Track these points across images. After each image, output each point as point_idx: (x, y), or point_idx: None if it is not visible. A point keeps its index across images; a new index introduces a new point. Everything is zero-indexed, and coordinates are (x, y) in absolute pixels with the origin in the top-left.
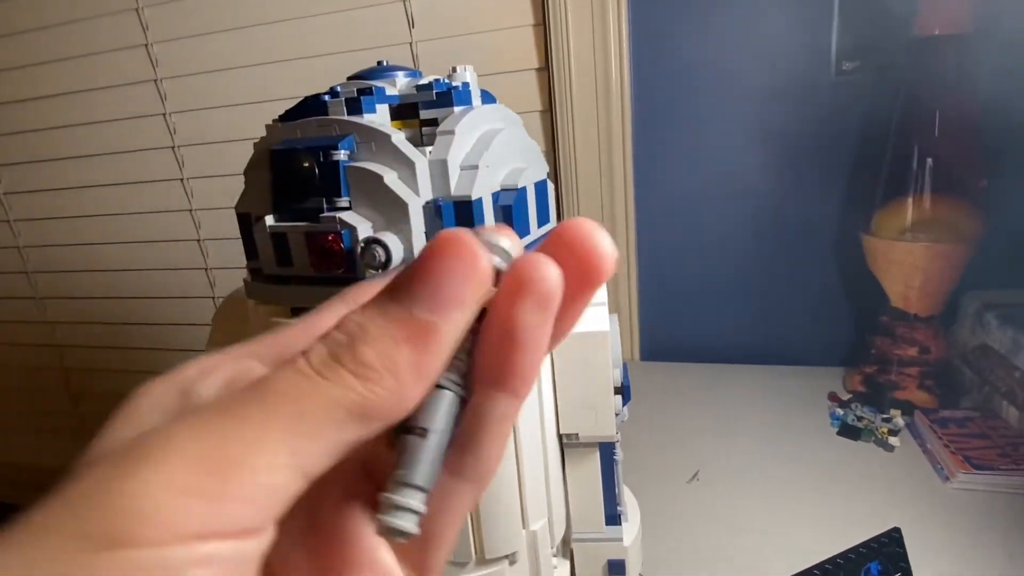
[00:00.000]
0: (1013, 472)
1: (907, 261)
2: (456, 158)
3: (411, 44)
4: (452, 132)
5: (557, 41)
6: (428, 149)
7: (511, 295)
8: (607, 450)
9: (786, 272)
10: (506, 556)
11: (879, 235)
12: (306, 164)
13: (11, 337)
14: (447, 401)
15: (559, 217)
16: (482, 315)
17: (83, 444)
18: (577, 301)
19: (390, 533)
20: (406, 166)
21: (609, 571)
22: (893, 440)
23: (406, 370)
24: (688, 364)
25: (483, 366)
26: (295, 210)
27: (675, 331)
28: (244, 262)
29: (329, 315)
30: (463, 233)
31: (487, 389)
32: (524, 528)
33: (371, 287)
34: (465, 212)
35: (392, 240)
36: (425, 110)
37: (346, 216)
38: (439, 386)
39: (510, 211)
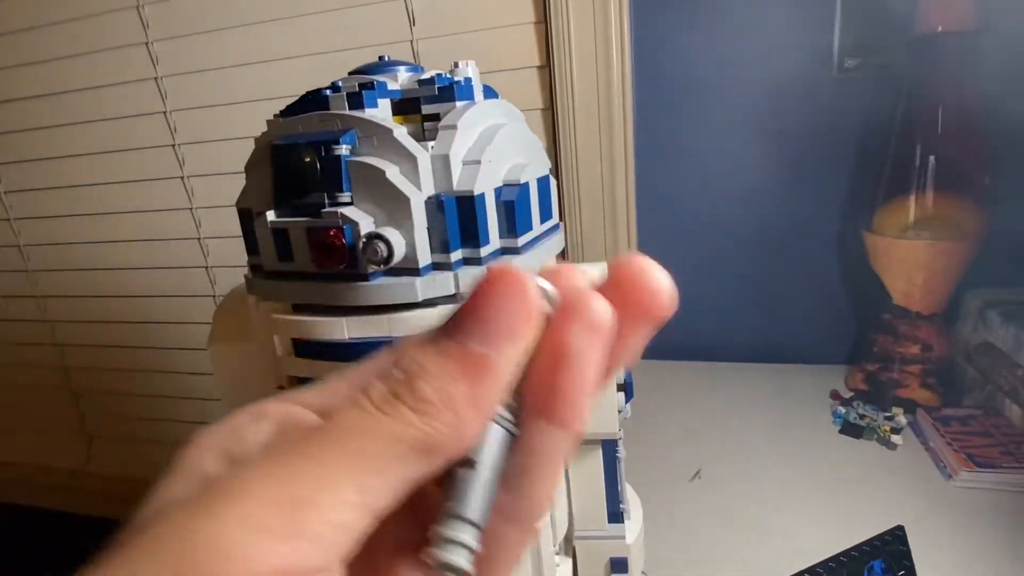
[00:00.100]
0: (1016, 470)
1: (909, 259)
2: (458, 153)
3: (412, 42)
4: (454, 127)
5: (558, 39)
6: (430, 144)
7: (562, 321)
8: (610, 448)
9: (788, 270)
10: None
11: (881, 232)
12: (307, 159)
13: (11, 336)
14: (496, 434)
15: (561, 214)
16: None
17: (83, 444)
18: (633, 337)
19: (442, 568)
20: (408, 161)
21: (611, 569)
22: (895, 438)
23: (463, 404)
24: (690, 362)
25: (532, 396)
26: (296, 205)
27: (677, 329)
28: (245, 260)
29: (381, 357)
30: (513, 268)
31: (536, 420)
32: None
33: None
34: (467, 207)
35: (394, 235)
36: (427, 105)
37: (348, 211)
38: (490, 421)
39: (512, 207)
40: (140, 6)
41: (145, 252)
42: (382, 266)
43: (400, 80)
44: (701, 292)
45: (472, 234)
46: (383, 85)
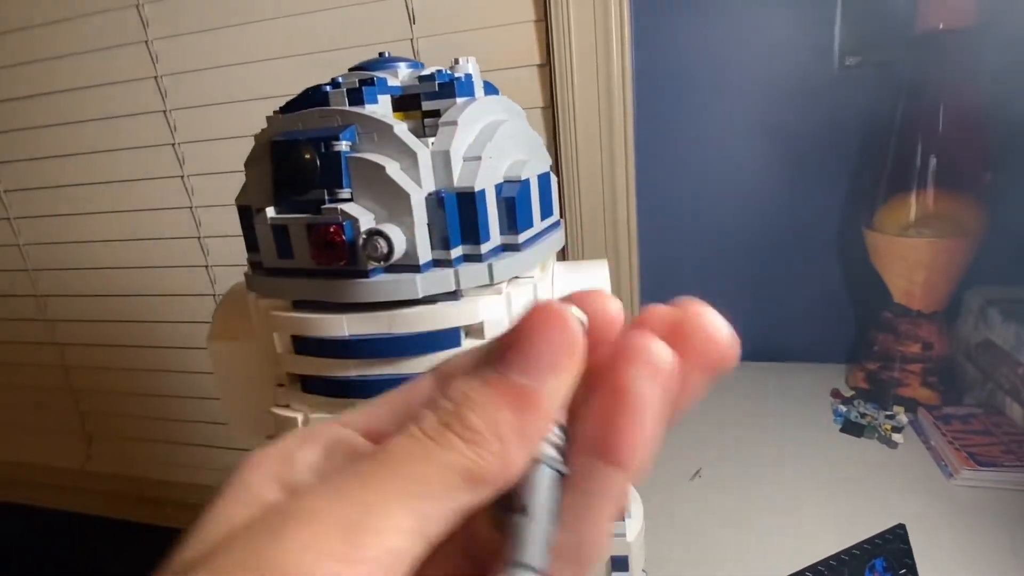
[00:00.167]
0: (1017, 468)
1: (910, 257)
2: (459, 149)
3: (412, 40)
4: (455, 123)
5: (559, 37)
6: (430, 140)
7: (622, 363)
8: None
9: (788, 268)
10: None
11: (882, 230)
12: (307, 155)
13: (12, 335)
14: (548, 476)
15: (561, 212)
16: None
17: (83, 443)
18: (692, 384)
19: None
20: (408, 157)
21: (612, 567)
22: (896, 437)
23: (509, 433)
24: None
25: (589, 435)
26: (296, 202)
27: None
28: (245, 259)
29: (417, 384)
30: (555, 303)
31: (591, 460)
32: None
33: (459, 357)
34: (468, 204)
35: (394, 232)
36: (427, 101)
37: (348, 207)
38: (539, 462)
39: (513, 203)
40: (140, 4)
41: (145, 251)
42: (382, 263)
43: (400, 76)
44: (700, 289)
45: (473, 230)
46: (383, 81)
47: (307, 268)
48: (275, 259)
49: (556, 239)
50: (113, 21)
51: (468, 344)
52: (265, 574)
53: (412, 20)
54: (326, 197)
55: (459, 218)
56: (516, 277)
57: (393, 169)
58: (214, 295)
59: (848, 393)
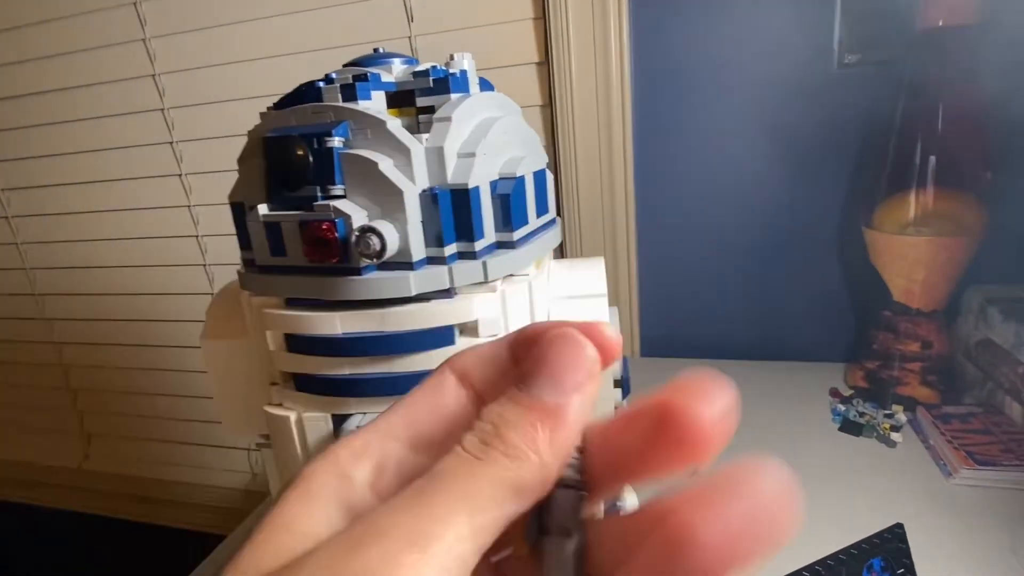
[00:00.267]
0: (1016, 468)
1: (910, 255)
2: (453, 145)
3: (410, 38)
4: (448, 119)
5: (557, 35)
6: (424, 136)
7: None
8: None
9: (787, 266)
10: None
11: (881, 229)
12: (300, 151)
13: (9, 334)
14: (574, 498)
15: (560, 210)
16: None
17: (82, 442)
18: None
19: None
20: (402, 153)
21: None
22: (895, 436)
23: (544, 447)
24: (688, 360)
25: (615, 460)
26: (289, 199)
27: (675, 327)
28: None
29: (440, 383)
30: (573, 331)
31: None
32: None
33: (470, 354)
34: (462, 201)
35: (387, 229)
36: (422, 97)
37: (340, 204)
38: (565, 486)
39: (508, 200)
40: (137, 2)
41: (143, 250)
42: (375, 260)
43: (395, 72)
44: (699, 288)
45: (467, 228)
46: (377, 77)
47: (300, 265)
48: (268, 256)
49: (552, 237)
50: (111, 19)
51: (462, 342)
52: None
53: (410, 18)
54: (319, 194)
55: (453, 215)
56: (511, 275)
57: (386, 165)
58: (212, 294)
59: (847, 392)
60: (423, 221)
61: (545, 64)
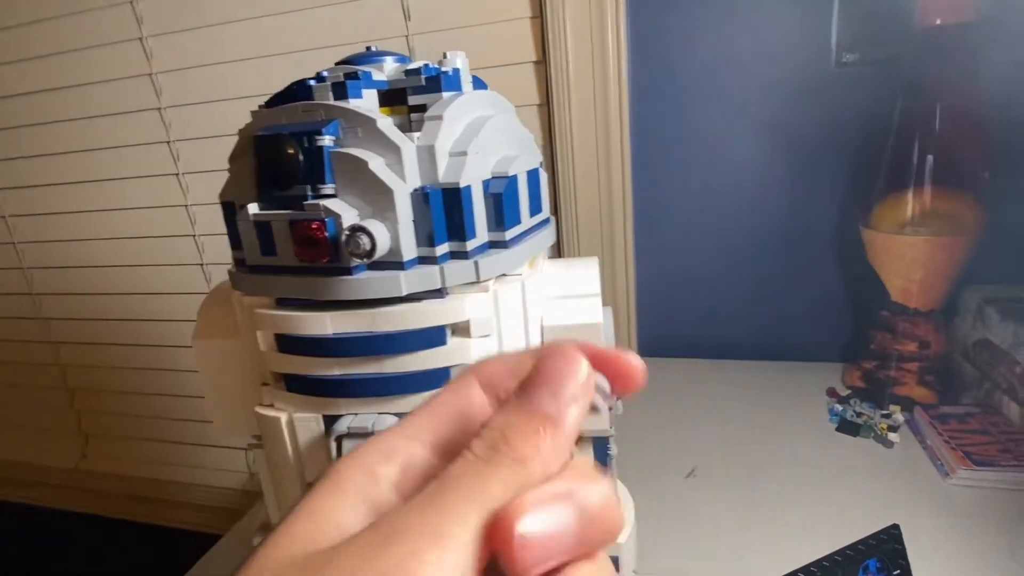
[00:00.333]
0: (1014, 468)
1: (907, 255)
2: (444, 144)
3: (407, 37)
4: (440, 117)
5: (554, 34)
6: (416, 135)
7: None
8: (601, 445)
9: (785, 266)
10: None
11: (879, 228)
12: (291, 150)
13: (6, 333)
14: None
15: (557, 209)
16: None
17: (79, 441)
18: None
19: None
20: (392, 152)
21: None
22: (892, 436)
23: (547, 450)
24: (686, 359)
25: None
26: (279, 197)
27: (673, 326)
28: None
29: (465, 389)
30: (570, 348)
31: None
32: None
33: (496, 363)
34: (453, 200)
35: (377, 228)
36: (414, 96)
37: (331, 203)
38: None
39: (500, 199)
40: (133, 1)
41: (141, 249)
42: (365, 259)
43: (387, 71)
44: (695, 288)
45: (458, 227)
46: (368, 75)
47: (290, 265)
48: (258, 256)
49: (545, 236)
50: (107, 18)
51: (454, 343)
52: (382, 571)
53: (407, 17)
54: (309, 193)
55: (444, 214)
56: (503, 274)
57: (377, 164)
58: (209, 293)
59: (844, 392)
60: (414, 220)
61: (542, 63)
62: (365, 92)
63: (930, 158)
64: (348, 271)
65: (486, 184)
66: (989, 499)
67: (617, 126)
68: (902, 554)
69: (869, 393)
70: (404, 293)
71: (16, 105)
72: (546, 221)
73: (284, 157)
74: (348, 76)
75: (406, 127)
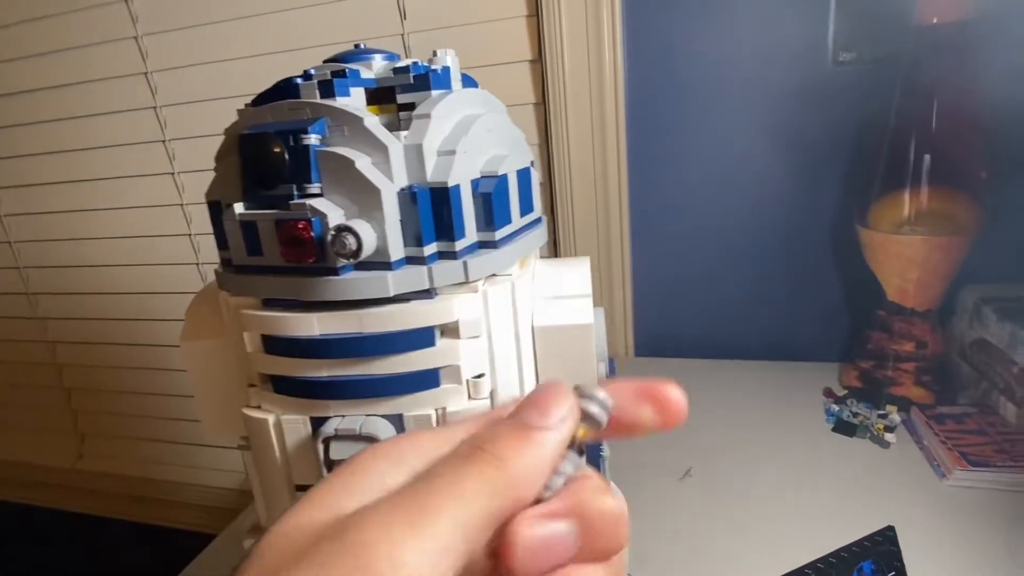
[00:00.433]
0: (1010, 468)
1: (904, 254)
2: (432, 143)
3: (403, 36)
4: (428, 116)
5: (550, 33)
6: (403, 134)
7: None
8: (593, 446)
9: (781, 266)
10: None
11: (876, 228)
12: (276, 149)
13: (2, 333)
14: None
15: (553, 209)
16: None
17: (75, 441)
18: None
19: None
20: (380, 151)
21: None
22: (889, 436)
23: (529, 459)
24: (682, 360)
25: None
26: (265, 197)
27: (669, 326)
28: None
29: (488, 415)
30: (560, 382)
31: None
32: None
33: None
34: (442, 199)
35: (364, 228)
36: (402, 94)
37: (316, 203)
38: None
39: (490, 199)
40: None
41: (137, 248)
42: (351, 259)
43: (375, 68)
44: (691, 287)
45: (447, 227)
46: (356, 73)
47: (276, 265)
48: (244, 256)
49: (537, 236)
50: (102, 16)
51: (442, 344)
52: (356, 554)
53: (403, 16)
54: (295, 192)
55: (432, 214)
56: (493, 275)
57: (363, 163)
58: None
59: (841, 392)
60: (402, 220)
61: (538, 62)
62: (352, 90)
63: (927, 157)
64: (335, 271)
65: (475, 183)
66: (985, 500)
67: (613, 124)
68: (897, 556)
69: (866, 393)
70: (392, 294)
71: (10, 104)
72: (537, 221)
73: (270, 156)
74: (335, 74)
75: (394, 126)
